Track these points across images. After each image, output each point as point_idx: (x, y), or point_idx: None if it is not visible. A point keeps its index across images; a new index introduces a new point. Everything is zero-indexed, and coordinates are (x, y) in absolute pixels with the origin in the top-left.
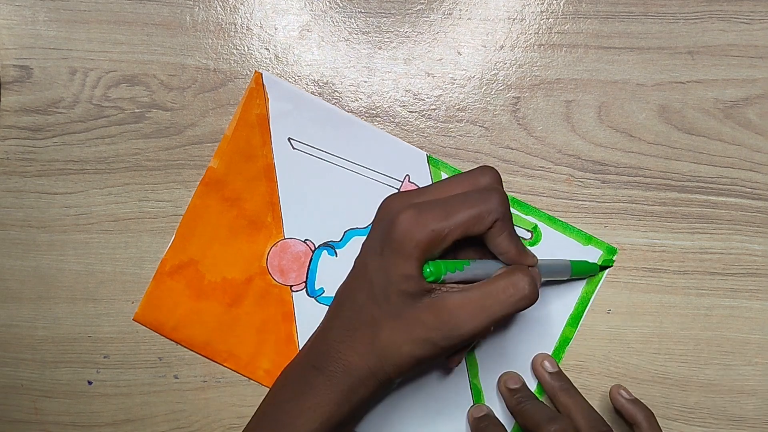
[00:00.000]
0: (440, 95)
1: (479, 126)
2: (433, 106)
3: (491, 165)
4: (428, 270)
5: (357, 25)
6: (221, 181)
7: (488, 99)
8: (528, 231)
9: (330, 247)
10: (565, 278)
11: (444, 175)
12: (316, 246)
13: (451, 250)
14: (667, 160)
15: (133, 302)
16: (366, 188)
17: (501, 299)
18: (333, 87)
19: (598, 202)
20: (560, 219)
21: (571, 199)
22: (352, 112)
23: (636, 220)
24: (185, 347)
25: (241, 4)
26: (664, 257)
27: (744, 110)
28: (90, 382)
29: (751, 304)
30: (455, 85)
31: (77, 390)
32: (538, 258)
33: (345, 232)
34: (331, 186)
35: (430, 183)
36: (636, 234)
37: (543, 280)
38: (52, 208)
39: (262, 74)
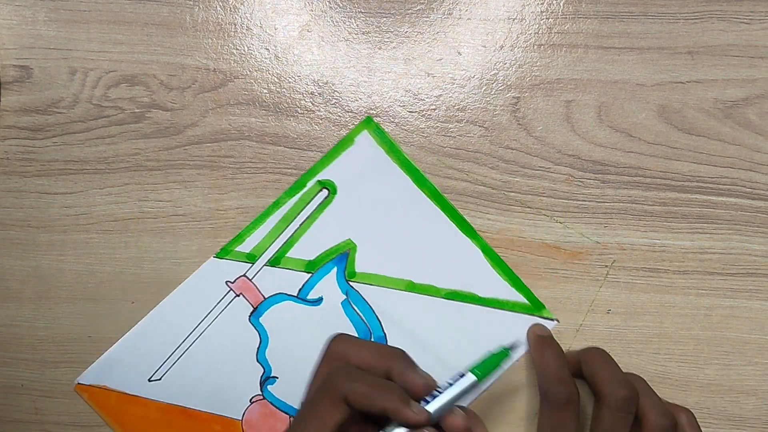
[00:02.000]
0: (440, 95)
1: (479, 126)
2: (433, 106)
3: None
4: None
5: (357, 25)
6: None
7: (488, 99)
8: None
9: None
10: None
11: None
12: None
13: None
14: (667, 160)
15: (133, 302)
16: None
17: None
18: (333, 87)
19: (598, 202)
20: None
21: (571, 199)
22: (351, 111)
23: (636, 220)
24: None
25: (241, 4)
26: (664, 257)
27: (744, 110)
28: None
29: (751, 304)
30: (455, 85)
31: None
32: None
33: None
34: None
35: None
36: (636, 234)
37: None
38: (52, 208)
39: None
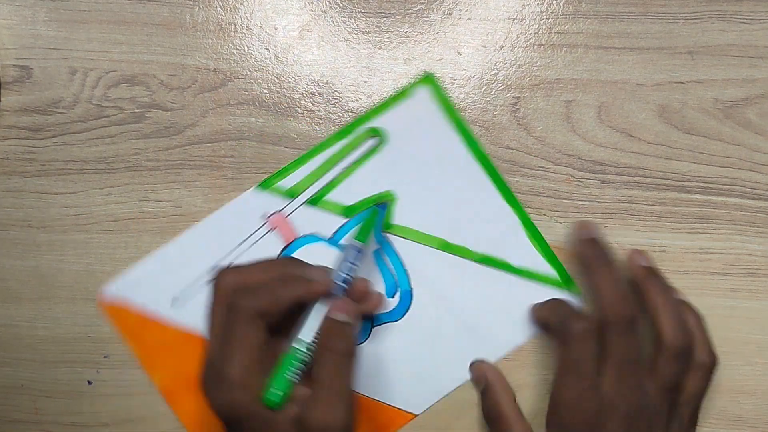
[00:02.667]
0: None
1: (479, 126)
2: None
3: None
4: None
5: (357, 25)
6: None
7: (488, 99)
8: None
9: None
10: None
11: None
12: None
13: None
14: (667, 160)
15: None
16: None
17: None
18: (333, 87)
19: (598, 202)
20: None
21: (570, 199)
22: (351, 111)
23: (636, 220)
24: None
25: (241, 4)
26: (664, 257)
27: (744, 110)
28: (90, 382)
29: (751, 304)
30: (455, 85)
31: (77, 390)
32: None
33: None
34: None
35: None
36: (636, 234)
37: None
38: (52, 208)
39: None
